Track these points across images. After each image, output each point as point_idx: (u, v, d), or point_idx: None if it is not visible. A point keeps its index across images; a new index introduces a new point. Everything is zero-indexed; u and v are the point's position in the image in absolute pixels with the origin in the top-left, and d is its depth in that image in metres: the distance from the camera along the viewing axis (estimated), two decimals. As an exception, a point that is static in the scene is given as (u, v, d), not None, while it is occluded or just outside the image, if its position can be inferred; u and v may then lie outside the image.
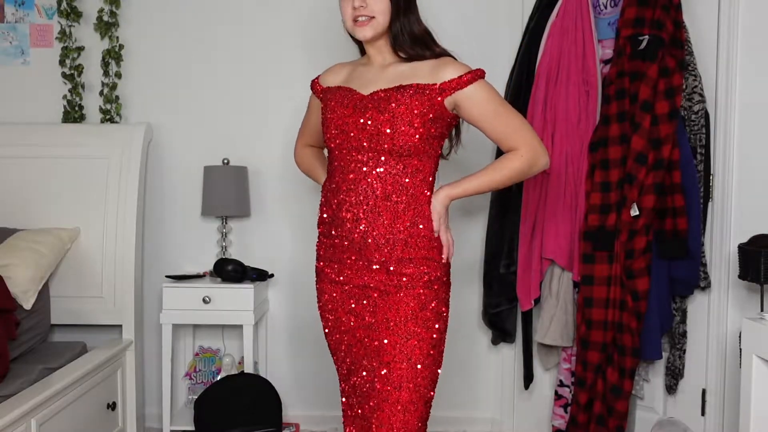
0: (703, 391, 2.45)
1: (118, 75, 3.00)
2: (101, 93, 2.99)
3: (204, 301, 2.72)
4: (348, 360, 1.85)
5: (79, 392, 2.36)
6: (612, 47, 2.46)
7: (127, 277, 2.78)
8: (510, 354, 2.92)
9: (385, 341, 1.68)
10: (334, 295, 1.85)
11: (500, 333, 2.77)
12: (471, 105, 1.68)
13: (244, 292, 2.72)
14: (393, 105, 1.65)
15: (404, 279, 1.69)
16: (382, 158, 1.66)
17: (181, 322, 2.80)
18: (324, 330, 1.93)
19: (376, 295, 1.72)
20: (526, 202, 2.58)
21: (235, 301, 2.72)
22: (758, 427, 1.84)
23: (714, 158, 2.40)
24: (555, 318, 2.54)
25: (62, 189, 2.82)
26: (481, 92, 1.68)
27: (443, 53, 1.74)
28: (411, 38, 1.73)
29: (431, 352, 1.68)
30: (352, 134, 1.68)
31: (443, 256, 1.73)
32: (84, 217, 2.80)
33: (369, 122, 1.66)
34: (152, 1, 3.01)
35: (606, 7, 2.53)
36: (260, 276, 2.83)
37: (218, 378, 2.86)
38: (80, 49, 2.99)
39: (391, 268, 1.69)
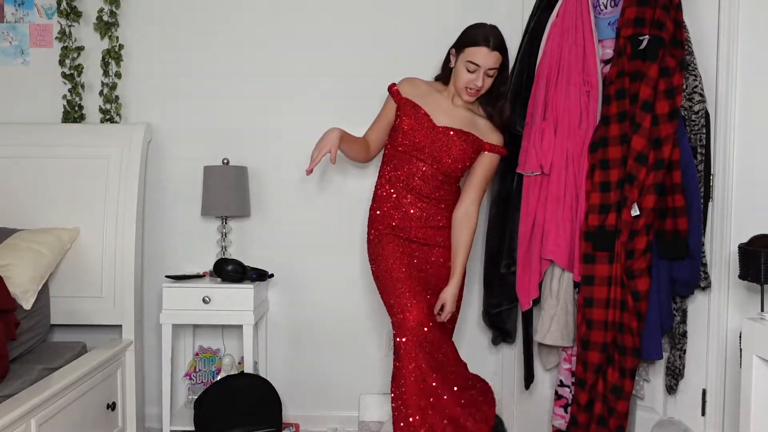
0: (704, 391, 2.45)
1: (118, 75, 3.00)
2: (101, 93, 2.99)
3: (204, 301, 2.72)
4: None
5: (79, 392, 2.36)
6: (612, 47, 2.46)
7: (127, 277, 2.78)
8: (510, 354, 2.92)
9: None
10: None
11: (501, 333, 2.77)
12: (483, 163, 2.44)
13: (244, 292, 2.72)
14: (457, 143, 2.37)
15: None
16: (436, 169, 2.38)
17: (181, 322, 2.80)
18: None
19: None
20: (526, 202, 2.58)
21: (235, 301, 2.72)
22: (758, 427, 1.84)
23: (714, 158, 2.40)
24: (555, 318, 2.54)
25: (62, 189, 2.82)
26: (494, 161, 2.47)
27: (499, 126, 2.47)
28: (492, 106, 2.45)
29: None
30: (420, 149, 2.37)
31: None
32: (84, 217, 2.80)
33: (436, 147, 2.37)
34: (152, 1, 3.01)
35: (606, 7, 2.53)
36: (260, 276, 2.83)
37: (218, 378, 2.86)
38: (80, 49, 2.99)
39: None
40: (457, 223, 2.43)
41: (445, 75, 2.44)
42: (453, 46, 2.37)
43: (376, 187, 2.49)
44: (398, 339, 2.25)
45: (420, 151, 2.36)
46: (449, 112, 2.40)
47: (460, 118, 2.40)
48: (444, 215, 2.43)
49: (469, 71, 2.29)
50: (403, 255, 2.37)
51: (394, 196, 2.40)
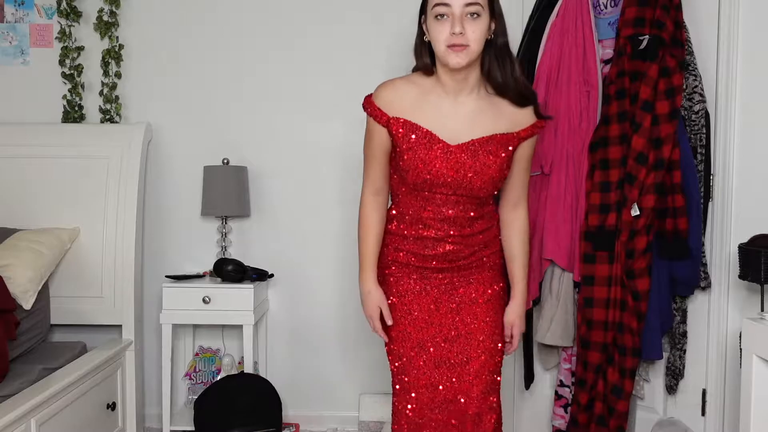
0: (704, 391, 2.45)
1: (118, 75, 3.00)
2: (101, 93, 2.99)
3: (204, 301, 2.72)
4: None
5: (79, 392, 2.36)
6: (612, 47, 2.46)
7: (127, 277, 2.78)
8: (510, 354, 2.91)
9: None
10: None
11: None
12: (522, 152, 1.81)
13: (244, 292, 2.72)
14: (489, 158, 1.72)
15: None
16: (467, 197, 1.76)
17: (181, 322, 2.80)
18: None
19: None
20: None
21: (235, 301, 2.72)
22: (758, 427, 1.84)
23: (714, 158, 2.40)
24: (555, 318, 2.54)
25: (62, 189, 2.82)
26: (533, 143, 1.83)
27: (529, 88, 1.77)
28: (500, 66, 1.72)
29: None
30: (440, 183, 1.73)
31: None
32: (84, 217, 2.80)
33: (459, 177, 1.72)
34: (152, 1, 3.01)
35: (606, 7, 2.53)
36: (260, 276, 2.83)
37: (218, 378, 2.86)
38: (80, 49, 2.99)
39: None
40: (506, 228, 1.91)
41: (423, 61, 1.75)
42: (420, 13, 1.73)
43: (389, 229, 1.86)
44: (395, 405, 1.87)
45: (441, 185, 1.73)
46: (458, 114, 1.72)
47: (474, 115, 1.72)
48: (484, 236, 1.86)
49: (439, 20, 1.63)
50: (424, 294, 1.84)
51: (413, 232, 1.82)
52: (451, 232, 1.78)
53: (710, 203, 2.42)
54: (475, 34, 1.63)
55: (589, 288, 2.41)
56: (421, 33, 1.73)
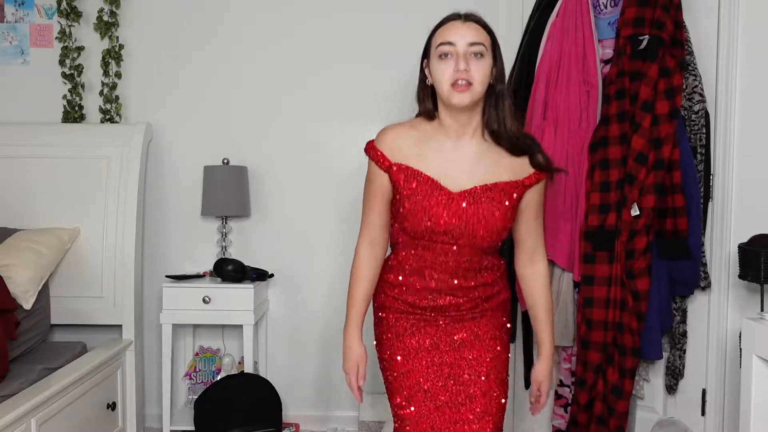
0: (703, 391, 2.45)
1: (118, 75, 3.00)
2: (101, 93, 2.99)
3: (204, 301, 2.72)
4: None
5: (79, 392, 2.36)
6: (612, 47, 2.46)
7: (127, 277, 2.78)
8: (510, 354, 2.91)
9: None
10: None
11: (500, 333, 2.77)
12: (531, 199, 1.74)
13: (244, 292, 2.72)
14: (492, 206, 1.66)
15: None
16: (471, 246, 1.69)
17: (181, 322, 2.80)
18: None
19: None
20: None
21: (235, 301, 2.72)
22: (758, 427, 1.84)
23: (714, 158, 2.40)
24: (555, 318, 2.54)
25: (62, 189, 2.82)
26: (541, 190, 1.75)
27: (522, 139, 1.71)
28: (499, 112, 1.68)
29: None
30: (443, 232, 1.67)
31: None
32: (84, 217, 2.80)
33: (462, 225, 1.66)
34: (152, 1, 3.01)
35: (606, 7, 2.53)
36: (260, 276, 2.83)
37: (218, 378, 2.86)
38: (80, 49, 2.99)
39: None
40: (527, 281, 1.83)
41: (426, 107, 1.73)
42: (422, 57, 1.72)
43: (385, 276, 1.80)
44: None
45: (442, 234, 1.67)
46: (460, 158, 1.68)
47: (477, 160, 1.68)
48: (487, 289, 1.78)
49: (443, 59, 1.62)
50: (422, 333, 1.77)
51: (413, 282, 1.75)
52: (454, 282, 1.72)
53: (710, 203, 2.42)
54: (479, 73, 1.61)
55: (588, 288, 2.41)
56: (423, 77, 1.71)
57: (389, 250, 1.84)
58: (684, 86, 2.32)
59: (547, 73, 2.52)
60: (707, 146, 2.38)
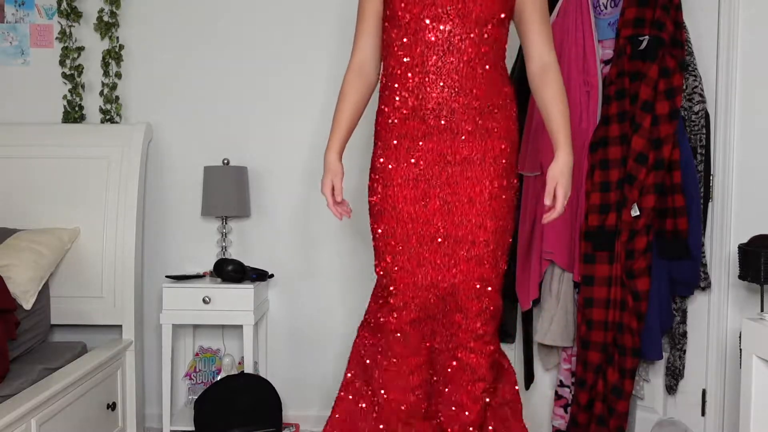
0: (703, 391, 2.45)
1: (118, 75, 3.00)
2: (101, 93, 2.99)
3: (204, 301, 2.72)
4: None
5: (79, 392, 2.36)
6: (612, 47, 2.46)
7: (127, 277, 2.79)
8: (510, 354, 2.91)
9: None
10: None
11: (501, 333, 2.77)
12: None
13: (244, 292, 2.72)
14: None
15: None
16: (466, 25, 1.62)
17: (181, 322, 2.80)
18: None
19: None
20: (525, 202, 2.58)
21: (235, 301, 2.72)
22: (758, 427, 1.84)
23: (714, 158, 2.40)
24: (555, 318, 2.54)
25: (62, 189, 2.82)
26: None
27: None
28: None
29: None
30: (432, 3, 1.61)
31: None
32: (84, 217, 2.80)
33: None
34: (152, 1, 3.01)
35: (606, 7, 2.53)
36: (260, 276, 2.83)
37: (218, 378, 2.86)
38: (80, 49, 2.99)
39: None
40: (536, 84, 1.79)
41: None
42: None
43: (380, 89, 1.79)
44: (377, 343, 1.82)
45: (433, 4, 1.61)
46: None
47: None
48: (491, 87, 1.70)
49: None
50: (412, 185, 1.72)
51: (404, 92, 1.70)
52: (447, 69, 1.63)
53: (710, 203, 2.42)
54: None
55: (589, 288, 2.41)
56: None
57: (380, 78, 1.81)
58: (684, 86, 2.32)
59: (547, 74, 2.52)
60: (707, 146, 2.38)
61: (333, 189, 1.84)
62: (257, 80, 3.02)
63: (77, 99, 2.99)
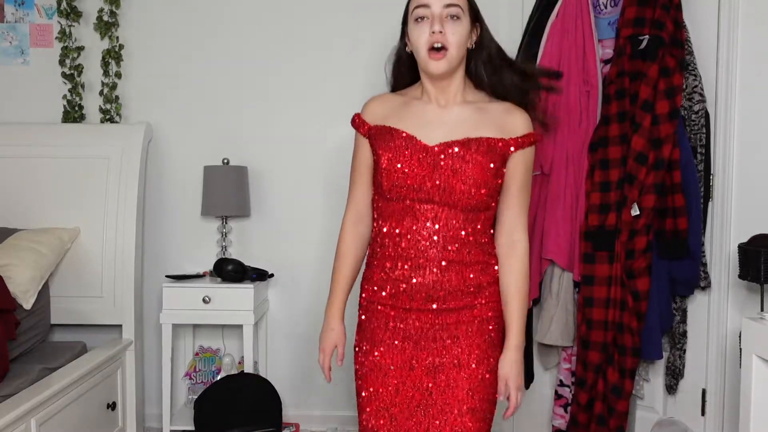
0: (703, 391, 2.45)
1: (118, 75, 3.00)
2: (101, 93, 2.99)
3: (204, 301, 2.72)
4: None
5: (79, 392, 2.36)
6: (612, 47, 2.46)
7: (127, 277, 2.78)
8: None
9: None
10: None
11: (500, 333, 2.77)
12: (515, 167, 1.64)
13: (244, 292, 2.72)
14: (468, 160, 1.58)
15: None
16: (452, 211, 1.59)
17: (181, 322, 2.80)
18: None
19: None
20: (526, 202, 2.58)
21: (235, 301, 2.72)
22: (758, 427, 1.84)
23: (714, 158, 2.40)
24: (555, 318, 2.54)
25: (62, 189, 2.82)
26: (528, 157, 1.66)
27: (516, 103, 1.67)
28: (490, 72, 1.67)
29: None
30: (418, 188, 1.59)
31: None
32: (84, 217, 2.80)
33: (439, 179, 1.58)
34: (152, 1, 3.01)
35: (606, 7, 2.53)
36: (260, 276, 2.83)
37: (218, 378, 2.86)
38: (80, 49, 2.99)
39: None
40: (501, 259, 1.68)
41: (411, 74, 1.74)
42: (402, 24, 1.72)
43: (368, 255, 1.74)
44: None
45: (419, 190, 1.58)
46: (440, 119, 1.64)
47: (458, 121, 1.63)
48: (477, 267, 1.64)
49: (419, 22, 1.60)
50: (399, 350, 1.64)
51: (389, 266, 1.63)
52: (434, 251, 1.59)
53: (710, 203, 2.42)
54: (455, 36, 1.58)
55: (588, 288, 2.41)
56: (403, 43, 1.72)
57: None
58: (684, 86, 2.32)
59: (547, 73, 2.52)
60: (707, 146, 2.38)
61: (333, 352, 1.78)
62: (257, 80, 3.02)
63: (77, 99, 2.99)
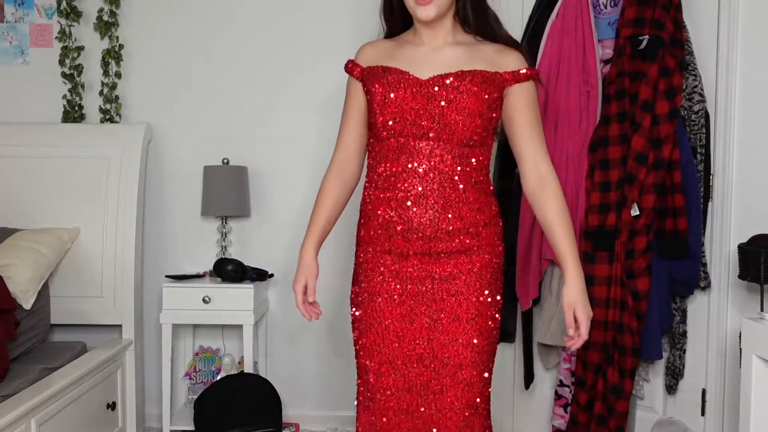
0: (703, 391, 2.45)
1: (118, 75, 3.00)
2: (101, 93, 2.99)
3: (204, 300, 2.72)
4: None
5: (79, 392, 2.36)
6: (612, 47, 2.46)
7: (127, 277, 2.78)
8: (510, 354, 2.91)
9: None
10: None
11: (501, 332, 2.77)
12: (518, 100, 1.62)
13: (244, 292, 2.72)
14: (462, 90, 1.56)
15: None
16: (445, 141, 1.57)
17: (181, 322, 2.80)
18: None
19: None
20: (525, 202, 2.58)
21: (234, 301, 2.72)
22: (758, 427, 1.84)
23: (714, 158, 2.40)
24: (555, 318, 2.54)
25: (62, 189, 2.82)
26: (530, 90, 1.64)
27: (508, 40, 1.67)
28: (476, 12, 1.65)
29: None
30: (413, 122, 1.57)
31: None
32: (84, 217, 2.80)
33: (434, 109, 1.56)
34: (152, 1, 3.01)
35: (606, 7, 2.53)
36: (260, 276, 2.83)
37: (218, 378, 2.86)
38: (80, 48, 2.99)
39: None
40: (535, 198, 1.66)
41: (403, 19, 1.71)
42: None
43: (362, 198, 1.73)
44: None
45: (414, 125, 1.58)
46: (433, 59, 1.63)
47: (452, 58, 1.62)
48: (475, 206, 1.62)
49: None
50: (398, 302, 1.65)
51: (385, 207, 1.63)
52: (430, 190, 1.57)
53: (710, 203, 2.42)
54: None
55: (588, 288, 2.37)
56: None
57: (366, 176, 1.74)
58: (684, 86, 2.32)
59: (547, 74, 2.52)
60: (707, 146, 2.38)
61: (305, 288, 1.77)
62: (257, 80, 3.02)
63: (77, 99, 2.99)
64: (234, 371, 2.90)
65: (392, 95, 1.59)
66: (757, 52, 2.32)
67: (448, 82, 1.58)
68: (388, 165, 1.62)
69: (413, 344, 1.64)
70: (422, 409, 1.64)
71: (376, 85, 1.62)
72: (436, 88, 1.58)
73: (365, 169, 1.75)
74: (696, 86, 2.35)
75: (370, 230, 1.68)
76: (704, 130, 2.36)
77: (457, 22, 1.66)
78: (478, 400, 1.64)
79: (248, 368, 2.76)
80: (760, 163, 2.31)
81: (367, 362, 1.69)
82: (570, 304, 1.61)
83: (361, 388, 1.72)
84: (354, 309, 1.76)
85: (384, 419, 1.66)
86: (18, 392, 2.12)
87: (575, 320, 1.61)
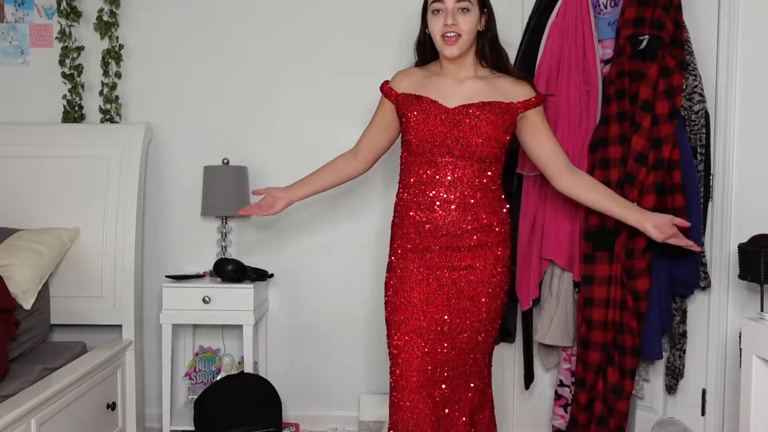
0: (703, 391, 2.45)
1: (118, 75, 3.00)
2: (101, 93, 2.99)
3: (204, 301, 2.72)
4: None
5: (79, 392, 2.36)
6: (612, 47, 2.46)
7: (127, 277, 2.79)
8: (510, 354, 2.92)
9: None
10: None
11: (501, 333, 2.76)
12: (532, 124, 2.06)
13: (244, 292, 2.72)
14: (482, 118, 1.96)
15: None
16: (468, 158, 1.97)
17: (181, 322, 2.80)
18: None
19: None
20: (526, 202, 2.58)
21: (235, 301, 2.72)
22: (758, 427, 1.84)
23: (714, 158, 2.40)
24: (555, 318, 2.54)
25: (62, 189, 2.82)
26: (540, 114, 2.08)
27: (520, 77, 2.07)
28: (492, 51, 2.06)
29: None
30: (441, 143, 1.97)
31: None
32: (84, 217, 2.80)
33: (459, 133, 1.96)
34: (152, 1, 3.01)
35: (606, 7, 2.53)
36: (260, 276, 2.83)
37: (218, 378, 2.86)
38: (80, 48, 2.99)
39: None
40: (578, 188, 2.14)
41: (424, 54, 2.13)
42: (422, 12, 2.08)
43: (396, 201, 2.10)
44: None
45: (441, 145, 1.96)
46: (457, 90, 2.02)
47: (473, 90, 2.01)
48: (489, 209, 2.02)
49: (435, 14, 1.98)
50: (425, 284, 2.02)
51: (417, 198, 2.01)
52: (453, 196, 1.97)
53: (710, 203, 2.42)
54: (466, 25, 1.97)
55: (589, 288, 2.41)
56: (423, 27, 2.08)
57: (398, 190, 2.09)
58: (684, 86, 2.32)
59: (547, 74, 2.52)
60: (707, 146, 2.38)
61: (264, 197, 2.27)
62: (257, 80, 3.02)
63: (77, 99, 2.99)
64: (234, 371, 2.90)
65: (424, 120, 1.99)
66: (757, 52, 2.32)
67: (471, 111, 1.97)
68: (419, 174, 2.01)
69: (436, 318, 2.00)
70: (443, 386, 2.01)
71: (414, 112, 2.01)
72: (461, 116, 1.97)
73: (398, 176, 2.10)
74: (696, 86, 2.35)
75: (403, 228, 2.05)
76: (704, 130, 2.36)
77: (476, 58, 2.06)
78: (485, 357, 2.13)
79: (248, 368, 2.76)
80: (760, 163, 2.31)
81: (396, 334, 2.01)
82: (664, 216, 2.12)
83: (392, 360, 2.03)
84: (389, 291, 2.07)
85: (408, 403, 1.98)
86: (18, 392, 2.12)
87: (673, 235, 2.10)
